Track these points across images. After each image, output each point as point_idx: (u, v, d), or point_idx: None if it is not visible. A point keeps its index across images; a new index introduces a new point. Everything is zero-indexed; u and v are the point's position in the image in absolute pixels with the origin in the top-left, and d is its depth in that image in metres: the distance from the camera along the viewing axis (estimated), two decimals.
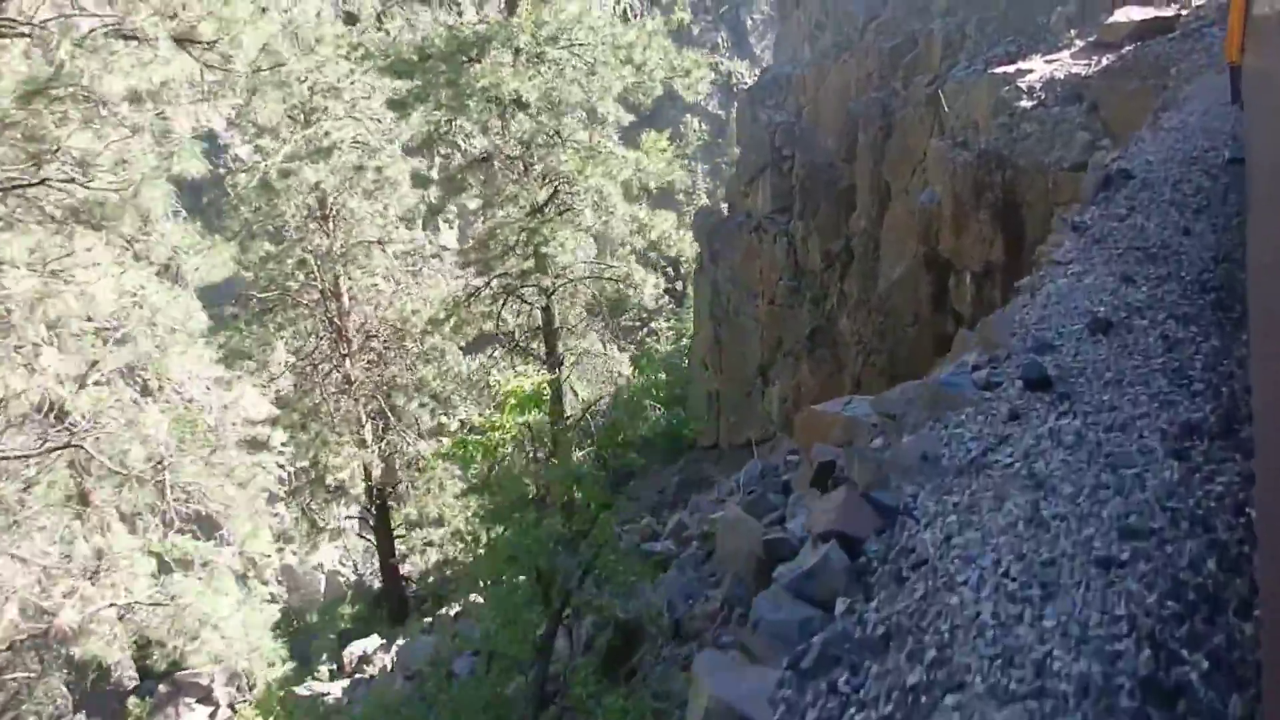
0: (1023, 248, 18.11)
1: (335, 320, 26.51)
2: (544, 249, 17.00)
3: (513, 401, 16.93)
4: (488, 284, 21.31)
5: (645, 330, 55.78)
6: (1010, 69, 19.20)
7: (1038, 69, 18.75)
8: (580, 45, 16.19)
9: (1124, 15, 18.94)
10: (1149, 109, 15.69)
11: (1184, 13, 19.60)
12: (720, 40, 57.05)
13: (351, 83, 23.18)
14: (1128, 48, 18.26)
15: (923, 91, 21.87)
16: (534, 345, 21.41)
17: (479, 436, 18.53)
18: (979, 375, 7.14)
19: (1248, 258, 6.10)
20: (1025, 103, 17.96)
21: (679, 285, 42.15)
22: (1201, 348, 6.08)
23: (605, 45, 16.43)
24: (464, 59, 17.07)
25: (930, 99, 21.31)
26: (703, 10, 56.59)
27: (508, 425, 16.92)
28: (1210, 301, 6.81)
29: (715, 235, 29.18)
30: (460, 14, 25.21)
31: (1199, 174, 9.62)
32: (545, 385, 17.06)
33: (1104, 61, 17.74)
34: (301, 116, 23.82)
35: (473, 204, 21.39)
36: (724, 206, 31.53)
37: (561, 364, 20.06)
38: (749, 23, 58.41)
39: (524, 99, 15.98)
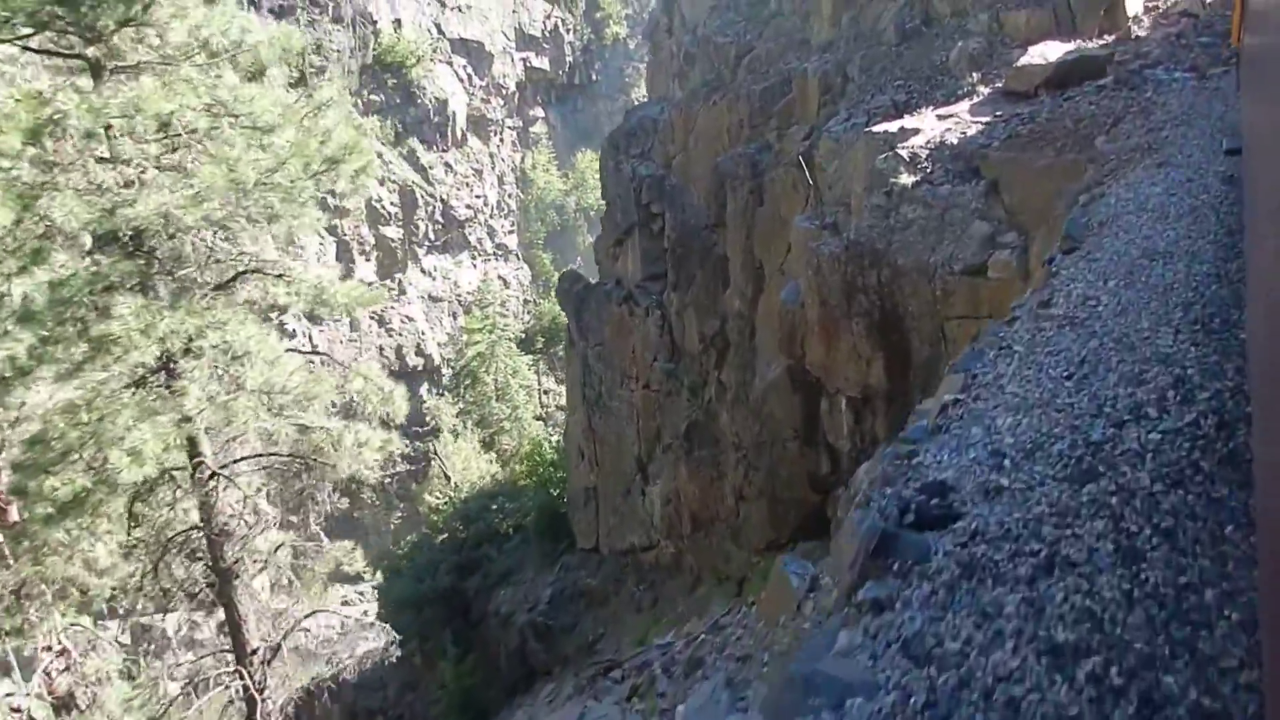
0: (909, 370, 13.32)
1: None
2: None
3: None
4: None
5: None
6: (893, 126, 14.39)
7: (927, 128, 13.94)
8: (176, 135, 11.02)
9: (1039, 54, 14.19)
10: (1062, 190, 10.95)
11: (1119, 48, 14.89)
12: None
13: None
14: (1042, 101, 13.51)
15: (797, 146, 17.04)
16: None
17: None
18: None
19: (1246, 251, 5.29)
20: (907, 177, 13.15)
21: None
22: None
23: (239, 130, 11.27)
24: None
25: (803, 159, 16.49)
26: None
27: None
28: None
29: (583, 305, 24.24)
30: None
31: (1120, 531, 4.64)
32: None
33: (1011, 121, 12.96)
34: None
35: None
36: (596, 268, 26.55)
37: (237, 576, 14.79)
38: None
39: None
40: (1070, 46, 14.52)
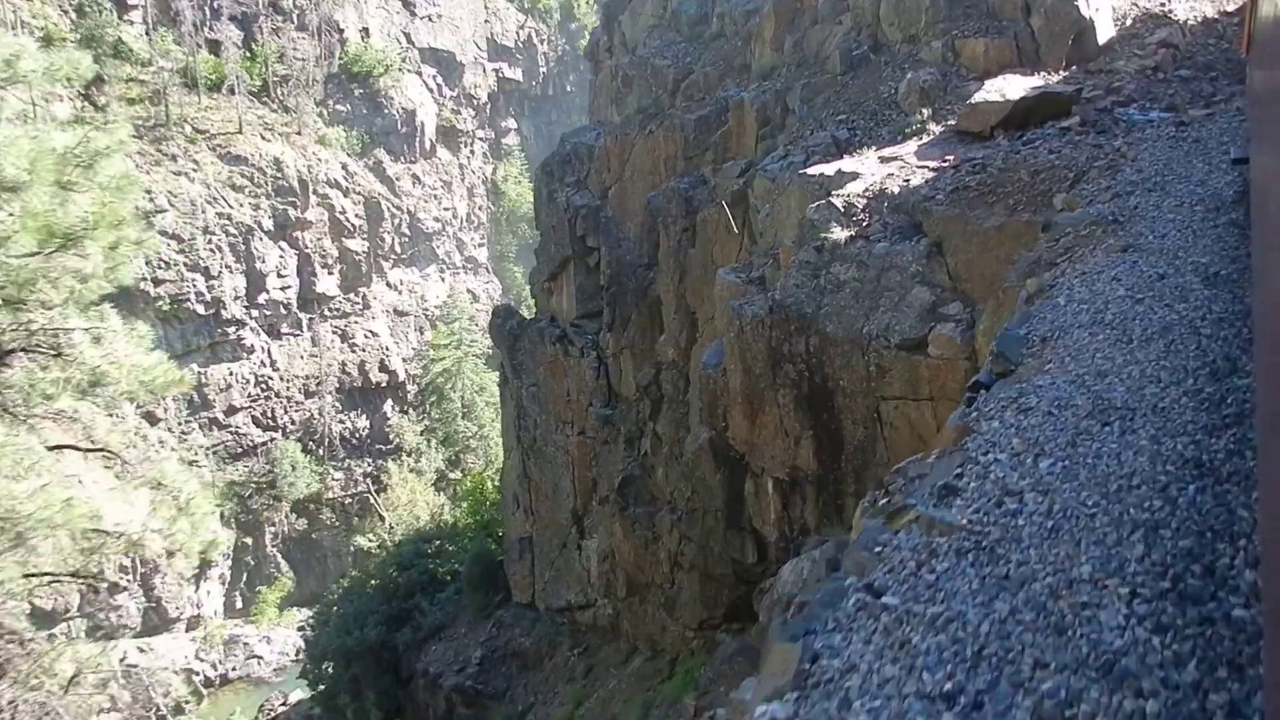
0: (841, 454, 11.42)
1: None
2: None
3: None
4: None
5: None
6: (831, 169, 12.50)
7: (867, 173, 12.05)
8: None
9: (997, 90, 12.34)
10: (1013, 257, 9.07)
11: (1088, 82, 13.07)
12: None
13: None
14: (998, 143, 11.65)
15: (732, 183, 15.13)
16: None
17: None
18: None
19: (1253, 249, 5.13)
20: (840, 232, 11.25)
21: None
22: None
23: None
24: None
25: (736, 199, 14.58)
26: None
27: None
28: None
29: (517, 342, 22.25)
30: None
31: None
32: None
33: (959, 169, 11.08)
34: None
35: None
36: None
37: None
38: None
39: None
40: (1033, 81, 12.69)
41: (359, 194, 57.99)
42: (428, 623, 24.78)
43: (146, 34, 53.70)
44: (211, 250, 51.95)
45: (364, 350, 58.42)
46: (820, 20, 15.17)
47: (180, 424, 52.09)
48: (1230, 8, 16.29)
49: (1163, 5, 14.94)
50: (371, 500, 44.14)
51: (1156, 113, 12.18)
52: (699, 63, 17.49)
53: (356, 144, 58.23)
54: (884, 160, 12.17)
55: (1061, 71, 13.24)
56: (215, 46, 55.38)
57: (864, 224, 11.15)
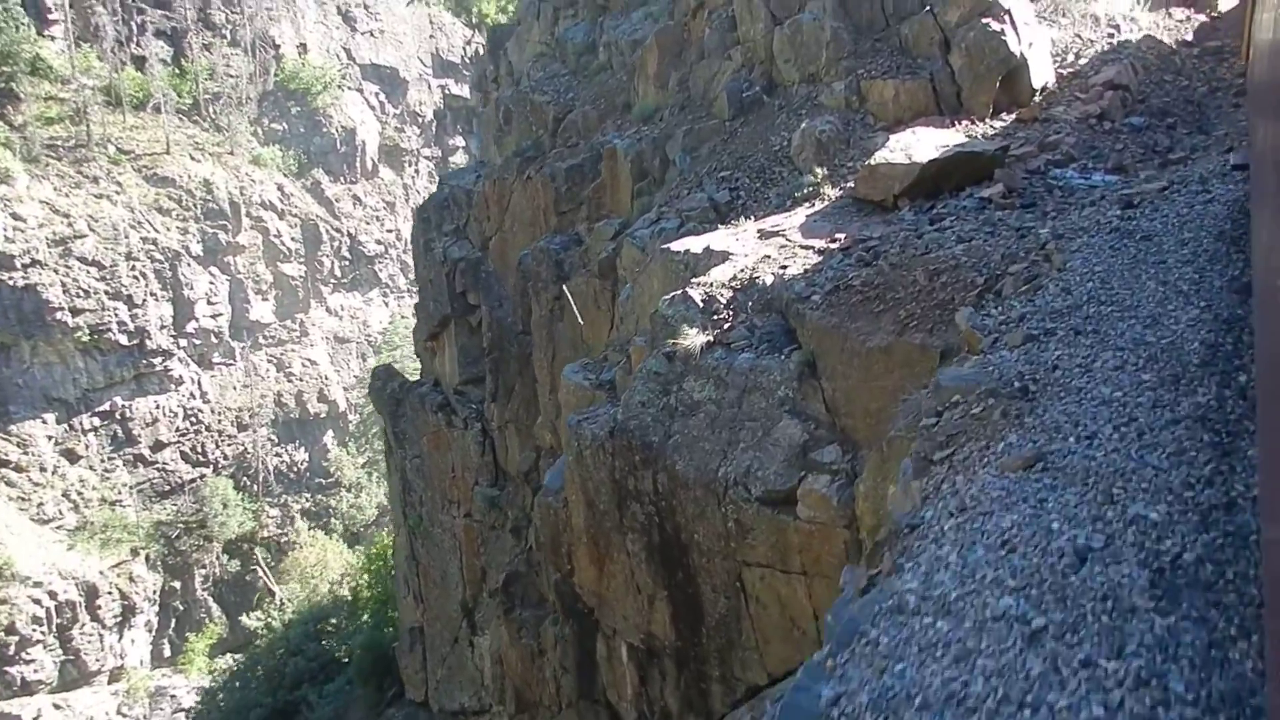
0: (701, 625, 8.74)
1: None
2: None
3: None
4: None
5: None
6: (700, 244, 9.86)
7: (740, 253, 9.40)
8: None
9: (904, 147, 9.72)
10: (901, 393, 6.50)
11: (1020, 134, 10.52)
12: None
13: None
14: (901, 218, 9.05)
15: (604, 247, 12.45)
16: None
17: None
18: None
19: (1252, 241, 4.99)
20: (696, 335, 8.59)
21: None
22: None
23: None
24: None
25: (605, 268, 11.90)
26: None
27: None
28: None
29: (399, 409, 19.45)
30: None
31: None
32: None
33: (846, 257, 8.46)
34: None
35: None
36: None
37: None
38: None
39: None
40: (949, 135, 10.10)
41: (295, 216, 54.90)
42: (315, 719, 21.90)
43: (69, 50, 50.40)
44: (135, 277, 48.72)
45: (302, 379, 55.24)
46: (707, 55, 12.56)
47: (103, 461, 48.84)
48: (1189, 37, 13.85)
49: (1110, 37, 12.45)
50: (262, 575, 40.90)
51: (1100, 175, 9.65)
52: (580, 99, 14.83)
53: (293, 164, 55.16)
54: (763, 235, 9.53)
55: (988, 120, 10.68)
56: (141, 63, 52.14)
57: (726, 325, 8.50)
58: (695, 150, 11.81)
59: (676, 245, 9.86)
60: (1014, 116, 10.72)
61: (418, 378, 19.99)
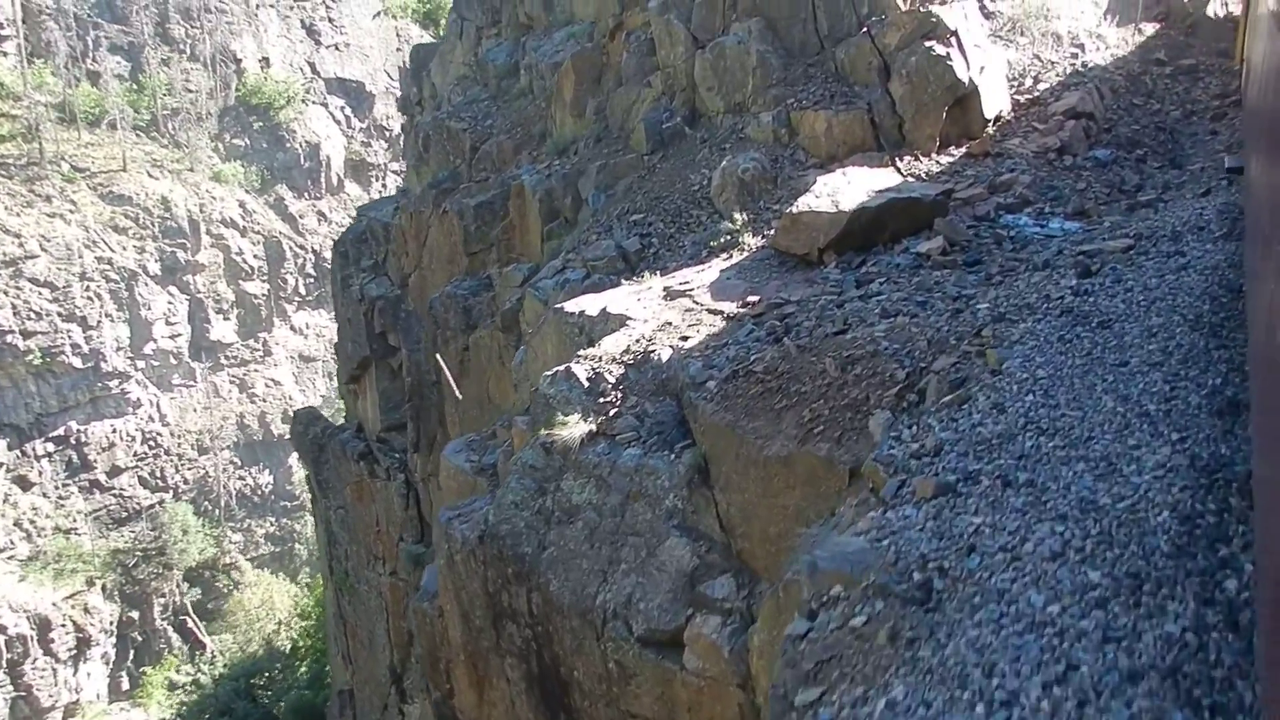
0: None
1: None
2: None
3: None
4: None
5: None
6: (596, 305, 8.41)
7: (640, 317, 7.96)
8: None
9: (829, 192, 8.32)
10: (801, 520, 5.09)
11: (968, 172, 9.13)
12: None
13: None
14: (826, 276, 7.63)
15: (511, 295, 10.99)
16: None
17: None
18: None
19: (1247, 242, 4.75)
20: (578, 423, 7.15)
21: None
22: None
23: None
24: None
25: (508, 320, 10.44)
26: None
27: None
28: None
29: (322, 455, 17.93)
30: None
31: None
32: None
33: (749, 336, 7.03)
34: None
35: None
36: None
37: None
38: None
39: None
40: (886, 176, 8.70)
41: (258, 233, 53.26)
42: None
43: (20, 66, 48.63)
44: (89, 297, 47.03)
45: (265, 400, 53.53)
46: (626, 81, 11.15)
47: (57, 488, 47.01)
48: (1162, 55, 12.54)
49: (1074, 58, 11.11)
50: (192, 626, 39.20)
51: (1059, 222, 8.27)
52: (498, 127, 13.40)
53: (255, 180, 53.54)
54: (669, 295, 8.11)
55: (934, 156, 9.29)
56: (96, 78, 50.44)
57: (613, 411, 7.06)
58: (610, 188, 10.40)
59: (572, 305, 8.43)
60: (963, 151, 9.35)
61: (343, 421, 18.48)
